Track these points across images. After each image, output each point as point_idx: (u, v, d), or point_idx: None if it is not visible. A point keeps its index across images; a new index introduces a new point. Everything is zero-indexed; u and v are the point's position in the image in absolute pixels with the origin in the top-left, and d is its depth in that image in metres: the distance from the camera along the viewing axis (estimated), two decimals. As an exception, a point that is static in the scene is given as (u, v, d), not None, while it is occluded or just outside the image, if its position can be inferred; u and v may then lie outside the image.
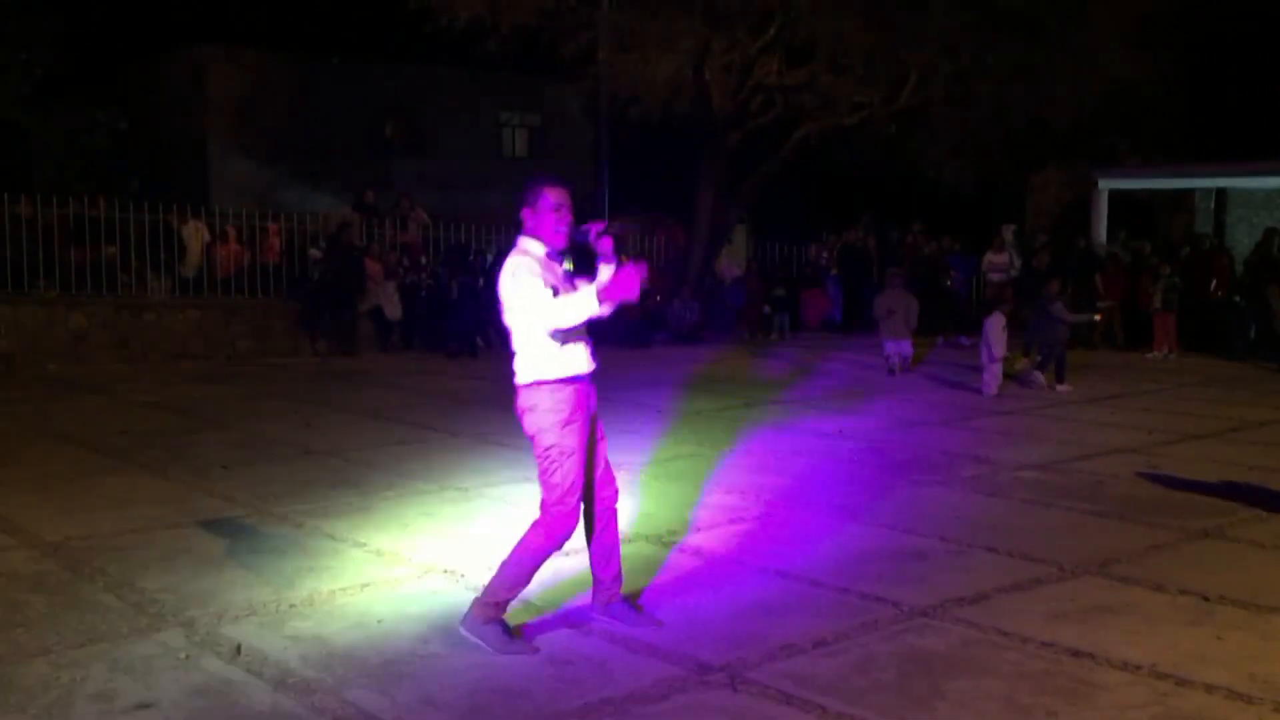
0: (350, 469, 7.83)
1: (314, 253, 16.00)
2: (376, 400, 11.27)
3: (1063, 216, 20.46)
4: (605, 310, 4.36)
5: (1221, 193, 20.45)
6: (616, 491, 4.78)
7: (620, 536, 4.84)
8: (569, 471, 4.45)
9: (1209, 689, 4.13)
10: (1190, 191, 20.25)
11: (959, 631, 4.72)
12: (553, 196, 4.51)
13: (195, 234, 16.26)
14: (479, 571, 5.47)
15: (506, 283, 4.44)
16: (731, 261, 20.27)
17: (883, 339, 13.67)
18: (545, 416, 4.44)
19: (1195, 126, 20.51)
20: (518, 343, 4.50)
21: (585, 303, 4.35)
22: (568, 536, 4.52)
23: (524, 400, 4.51)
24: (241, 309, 15.45)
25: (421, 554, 5.81)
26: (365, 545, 5.97)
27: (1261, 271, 16.63)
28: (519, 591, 4.55)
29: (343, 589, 5.22)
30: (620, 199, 20.27)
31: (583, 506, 4.59)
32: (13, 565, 5.59)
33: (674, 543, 6.07)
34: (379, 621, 4.79)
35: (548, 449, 4.45)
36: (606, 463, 4.73)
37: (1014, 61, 16.87)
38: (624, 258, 4.56)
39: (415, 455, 8.39)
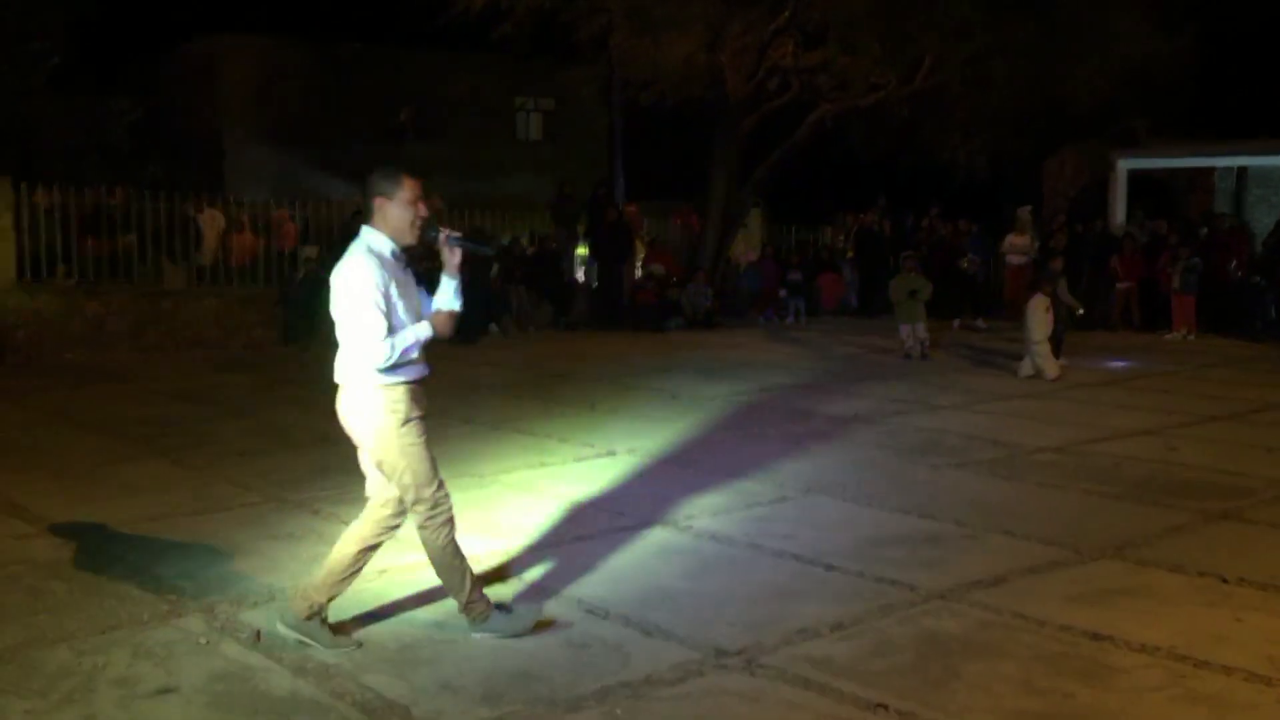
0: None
1: (308, 250, 15.76)
2: (393, 387, 11.27)
3: (1079, 198, 20.35)
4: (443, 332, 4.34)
5: (1241, 172, 20.30)
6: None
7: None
8: (419, 468, 4.29)
9: (1228, 670, 4.12)
10: (1209, 171, 20.10)
11: (976, 615, 4.72)
12: (412, 189, 4.25)
13: (211, 222, 16.32)
14: (495, 557, 5.49)
15: (342, 283, 4.18)
16: (746, 246, 20.23)
17: (900, 323, 13.62)
18: (377, 419, 4.23)
19: (1214, 105, 20.34)
20: (344, 338, 4.25)
21: (418, 334, 4.24)
22: (450, 513, 4.36)
23: (350, 401, 4.28)
24: (258, 297, 15.49)
25: (438, 540, 5.82)
26: (382, 531, 5.98)
27: (1281, 251, 16.52)
28: (469, 584, 4.41)
29: (360, 575, 5.23)
30: (635, 182, 20.27)
31: (371, 511, 4.43)
32: (33, 553, 5.63)
33: (690, 527, 6.08)
34: (396, 606, 4.81)
35: (385, 453, 4.27)
36: None
37: (1030, 42, 16.74)
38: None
39: (431, 442, 8.39)
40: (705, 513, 6.37)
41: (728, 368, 12.62)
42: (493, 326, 15.77)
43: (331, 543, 5.76)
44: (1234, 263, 16.41)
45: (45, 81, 18.66)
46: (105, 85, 22.35)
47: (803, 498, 6.75)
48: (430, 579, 5.18)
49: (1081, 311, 13.22)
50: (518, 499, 6.67)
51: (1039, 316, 11.57)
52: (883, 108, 18.30)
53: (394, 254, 4.28)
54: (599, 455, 7.89)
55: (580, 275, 18.60)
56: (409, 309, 4.29)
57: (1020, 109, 18.21)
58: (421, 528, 4.36)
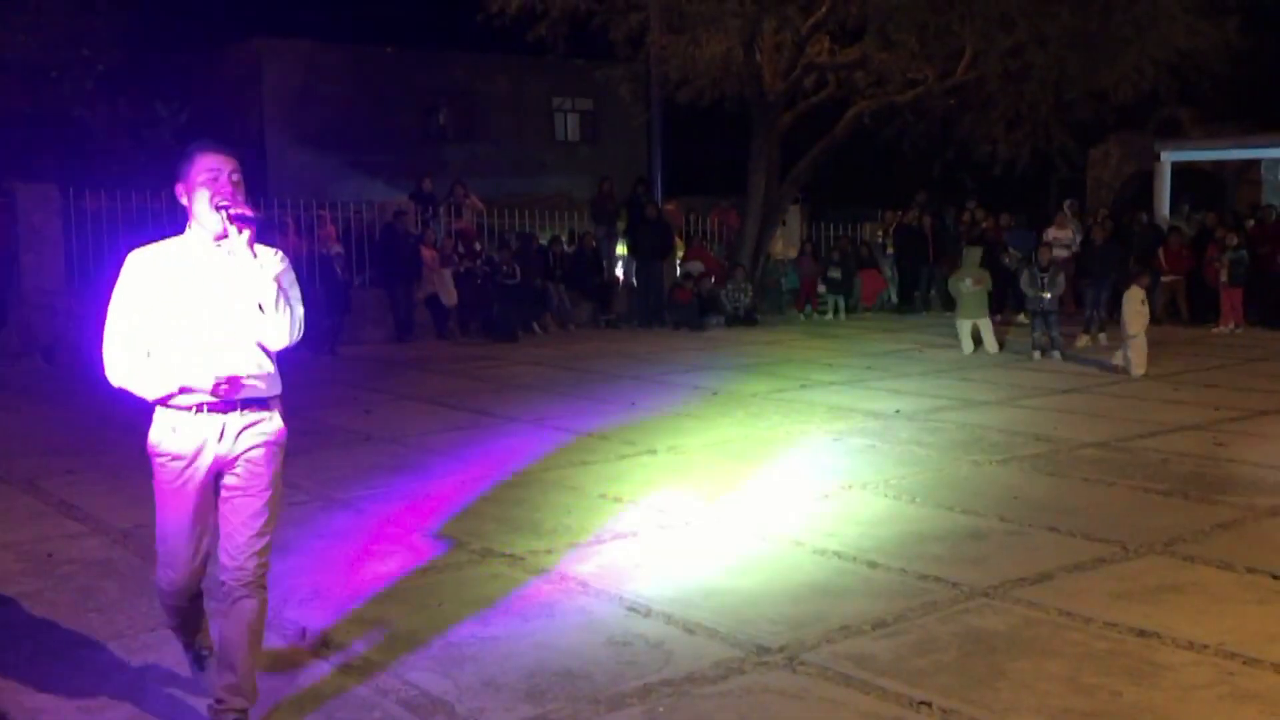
0: (410, 455, 7.92)
1: (336, 248, 15.75)
2: (435, 386, 11.37)
3: (1123, 189, 20.11)
4: None
5: (1289, 163, 19.98)
6: (241, 572, 3.65)
7: (245, 637, 3.62)
8: (158, 512, 3.70)
9: (1278, 668, 4.07)
10: (1256, 162, 19.80)
11: (1020, 612, 4.68)
12: (206, 162, 3.51)
13: (255, 225, 16.44)
14: (537, 555, 5.52)
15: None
16: (786, 242, 20.17)
17: (959, 319, 13.46)
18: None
19: (1260, 96, 20.02)
20: None
21: (143, 387, 3.66)
22: (165, 594, 3.79)
23: None
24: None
25: (481, 538, 5.87)
26: (426, 530, 6.05)
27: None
28: (180, 642, 3.97)
29: (404, 572, 5.29)
30: (674, 180, 20.27)
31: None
32: (84, 552, 5.73)
33: (732, 524, 6.08)
34: (440, 604, 4.85)
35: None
36: (241, 529, 3.69)
37: (1072, 33, 16.55)
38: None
39: (474, 440, 8.47)
40: (746, 510, 6.36)
41: (768, 365, 12.59)
42: (535, 326, 15.89)
43: (376, 541, 5.85)
44: (1281, 255, 16.13)
45: (93, 87, 18.96)
46: (151, 90, 22.68)
47: (844, 494, 6.73)
48: (474, 576, 5.24)
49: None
50: (559, 497, 6.70)
51: (1134, 308, 11.34)
52: (921, 102, 18.18)
53: (201, 243, 3.59)
54: (640, 453, 7.90)
55: (620, 273, 18.64)
56: (210, 308, 3.58)
57: (1062, 100, 18.01)
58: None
